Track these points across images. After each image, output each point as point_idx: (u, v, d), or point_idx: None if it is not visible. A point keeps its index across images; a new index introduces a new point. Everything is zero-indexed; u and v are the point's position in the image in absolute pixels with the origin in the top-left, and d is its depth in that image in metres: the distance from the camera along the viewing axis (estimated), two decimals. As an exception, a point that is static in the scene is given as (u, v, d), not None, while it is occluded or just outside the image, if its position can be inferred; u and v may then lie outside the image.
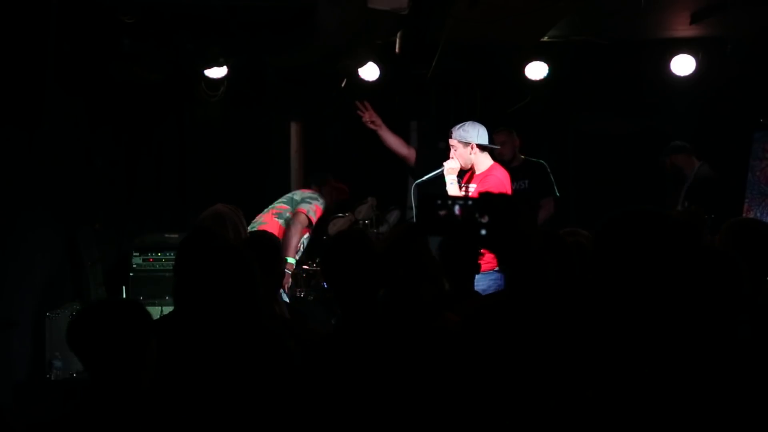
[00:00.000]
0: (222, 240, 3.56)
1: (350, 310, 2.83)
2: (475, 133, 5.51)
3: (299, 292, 6.12)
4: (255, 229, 5.70)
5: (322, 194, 6.03)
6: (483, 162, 5.58)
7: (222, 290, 2.67)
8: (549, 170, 6.55)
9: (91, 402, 2.35)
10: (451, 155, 5.58)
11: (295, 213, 5.83)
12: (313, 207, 5.85)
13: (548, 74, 6.88)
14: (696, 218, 4.20)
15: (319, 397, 2.56)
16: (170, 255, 6.01)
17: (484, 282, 4.62)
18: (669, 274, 1.88)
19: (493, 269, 4.68)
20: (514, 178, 5.86)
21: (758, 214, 6.82)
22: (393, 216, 6.68)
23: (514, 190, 5.98)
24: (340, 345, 2.74)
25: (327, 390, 2.58)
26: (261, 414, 2.23)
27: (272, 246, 3.45)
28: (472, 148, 5.54)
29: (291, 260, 5.67)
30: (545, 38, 6.49)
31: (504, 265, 1.91)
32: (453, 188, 5.48)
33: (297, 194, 6.04)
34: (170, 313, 3.22)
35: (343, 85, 6.96)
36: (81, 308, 2.51)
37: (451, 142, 5.59)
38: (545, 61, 6.85)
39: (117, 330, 2.37)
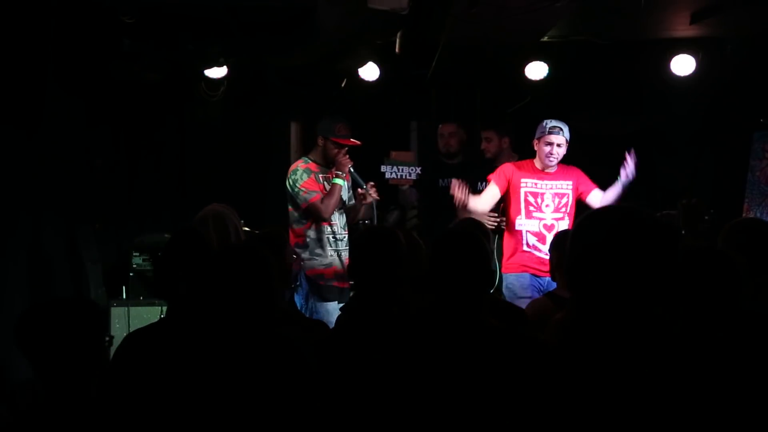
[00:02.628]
0: (209, 242, 3.52)
1: (370, 304, 2.85)
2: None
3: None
4: None
5: (311, 154, 5.68)
6: None
7: (238, 294, 2.57)
8: None
9: (39, 407, 2.30)
10: (556, 153, 5.52)
11: (303, 211, 5.56)
12: (302, 190, 5.48)
13: (548, 74, 6.87)
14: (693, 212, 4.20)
15: (335, 393, 2.56)
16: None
17: None
18: (643, 271, 1.88)
19: None
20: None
21: (758, 214, 6.82)
22: (393, 216, 6.68)
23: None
24: (356, 340, 2.75)
25: (343, 385, 2.57)
26: (273, 420, 2.19)
27: (276, 243, 3.43)
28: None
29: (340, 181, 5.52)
30: (545, 38, 6.48)
31: None
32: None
33: (287, 187, 5.65)
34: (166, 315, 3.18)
35: (343, 85, 6.95)
36: (29, 307, 2.42)
37: (561, 139, 5.53)
38: (545, 61, 6.84)
39: (65, 331, 2.29)
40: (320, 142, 5.61)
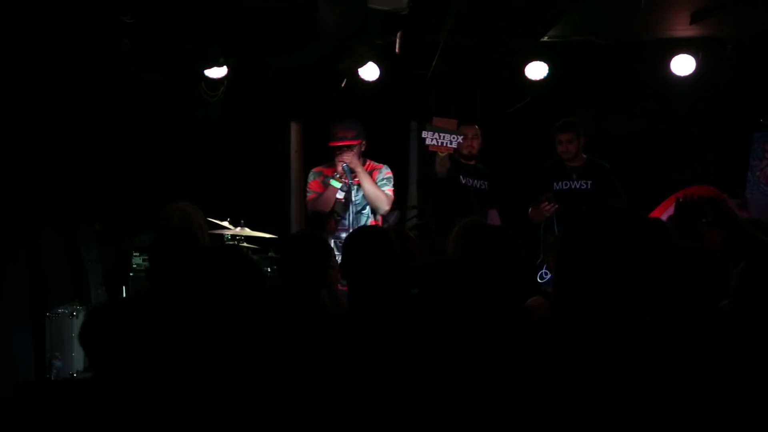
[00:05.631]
0: (196, 241, 3.51)
1: (362, 303, 2.84)
2: None
3: None
4: None
5: None
6: None
7: (218, 295, 2.59)
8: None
9: (95, 405, 2.33)
10: None
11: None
12: (306, 190, 5.70)
13: (548, 74, 6.87)
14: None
15: (326, 393, 2.55)
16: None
17: None
18: (633, 270, 1.89)
19: None
20: (576, 177, 6.05)
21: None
22: (392, 216, 6.67)
23: (575, 190, 6.06)
24: (349, 338, 2.74)
25: (334, 384, 2.56)
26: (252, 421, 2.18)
27: (315, 243, 3.37)
28: None
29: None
30: (545, 38, 6.48)
31: None
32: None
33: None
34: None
35: (343, 85, 6.95)
36: (97, 306, 2.47)
37: None
38: (545, 61, 6.84)
39: (131, 331, 2.33)
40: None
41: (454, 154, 6.07)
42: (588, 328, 1.91)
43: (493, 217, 6.21)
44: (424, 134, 5.75)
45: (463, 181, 6.13)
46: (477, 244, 2.61)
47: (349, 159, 5.48)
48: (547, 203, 5.89)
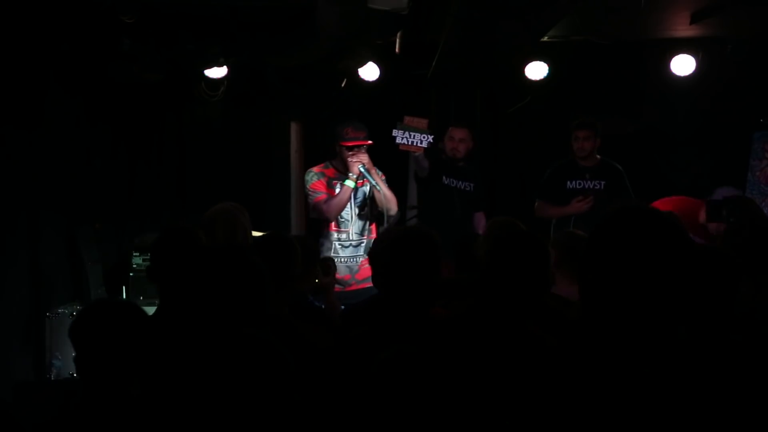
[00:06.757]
0: (199, 241, 3.49)
1: (405, 309, 2.79)
2: None
3: None
4: None
5: (334, 161, 5.67)
6: None
7: (218, 295, 2.59)
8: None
9: (82, 405, 2.33)
10: None
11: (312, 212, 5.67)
12: (310, 191, 5.56)
13: (548, 74, 6.88)
14: None
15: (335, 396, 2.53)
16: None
17: None
18: (662, 271, 1.88)
19: None
20: (590, 177, 6.04)
21: (758, 214, 6.82)
22: (393, 217, 6.66)
23: (588, 189, 6.05)
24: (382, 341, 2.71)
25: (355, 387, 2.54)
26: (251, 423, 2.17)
27: (284, 247, 3.30)
28: None
29: None
30: (545, 38, 6.48)
31: None
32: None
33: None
34: (154, 314, 3.15)
35: (343, 85, 6.95)
36: (84, 307, 2.48)
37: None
38: (545, 61, 6.85)
39: (116, 332, 2.34)
40: (336, 148, 5.53)
41: (442, 156, 6.07)
42: (614, 334, 1.89)
43: (479, 220, 6.13)
44: (394, 133, 5.61)
45: (446, 181, 6.07)
46: (506, 250, 2.62)
47: (366, 159, 5.39)
48: (581, 199, 5.91)
